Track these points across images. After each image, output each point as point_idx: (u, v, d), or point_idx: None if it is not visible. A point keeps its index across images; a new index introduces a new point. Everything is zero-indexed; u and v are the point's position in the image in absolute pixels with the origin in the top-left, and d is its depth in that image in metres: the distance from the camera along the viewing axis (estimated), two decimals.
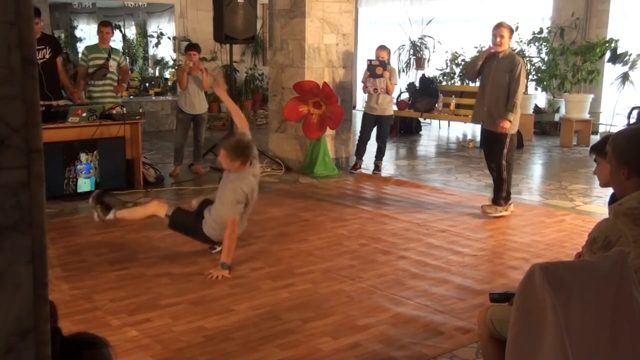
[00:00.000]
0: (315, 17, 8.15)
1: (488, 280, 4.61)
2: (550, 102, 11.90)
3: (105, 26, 7.80)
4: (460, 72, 12.39)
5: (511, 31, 6.26)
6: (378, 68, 8.00)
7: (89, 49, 7.88)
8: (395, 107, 12.07)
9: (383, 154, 8.40)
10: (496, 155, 6.24)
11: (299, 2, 8.13)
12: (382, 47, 8.22)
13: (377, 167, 8.32)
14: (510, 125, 6.08)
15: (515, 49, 11.43)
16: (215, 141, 8.77)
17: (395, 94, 12.52)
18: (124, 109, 7.49)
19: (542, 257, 5.05)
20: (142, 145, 7.45)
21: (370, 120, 8.24)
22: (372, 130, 8.30)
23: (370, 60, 8.12)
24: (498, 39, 6.19)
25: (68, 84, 7.91)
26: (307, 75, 8.16)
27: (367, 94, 8.28)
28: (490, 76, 6.25)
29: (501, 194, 6.29)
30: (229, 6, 7.98)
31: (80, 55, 7.99)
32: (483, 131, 6.52)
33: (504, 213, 6.25)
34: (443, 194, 7.24)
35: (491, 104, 6.22)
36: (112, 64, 7.76)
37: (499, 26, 6.23)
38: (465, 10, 13.06)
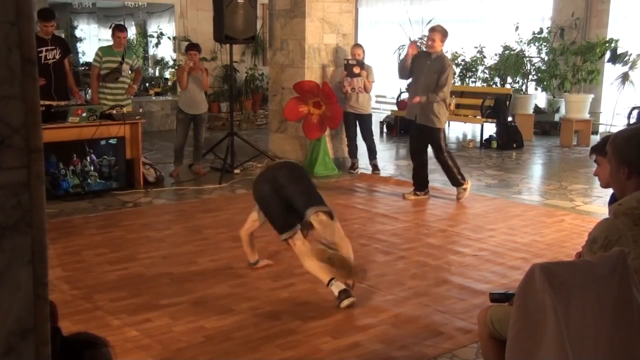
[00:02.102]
0: (315, 17, 8.16)
1: (488, 280, 4.61)
2: (550, 102, 11.90)
3: (122, 31, 7.81)
4: (460, 72, 12.39)
5: (443, 35, 6.66)
6: (355, 67, 8.02)
7: (103, 50, 7.88)
8: (395, 107, 12.14)
9: (375, 153, 8.44)
10: (436, 149, 6.85)
11: (299, 2, 8.13)
12: (358, 46, 8.26)
13: (375, 166, 8.34)
14: (419, 100, 6.60)
15: (516, 49, 11.48)
16: (215, 141, 8.77)
17: (395, 94, 12.58)
18: (129, 107, 7.52)
19: (542, 257, 5.05)
20: (142, 145, 7.46)
21: (351, 117, 8.28)
22: (355, 127, 8.36)
23: (347, 60, 8.12)
24: (430, 42, 6.71)
25: (73, 84, 7.93)
26: (307, 75, 8.16)
27: (344, 93, 8.22)
28: (422, 75, 6.69)
29: (457, 177, 6.90)
30: (229, 6, 7.98)
31: (94, 56, 7.99)
32: (414, 125, 6.94)
33: (467, 188, 6.94)
34: (443, 194, 7.24)
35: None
36: (125, 68, 7.76)
37: (432, 30, 6.75)
38: (465, 10, 13.07)
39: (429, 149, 6.94)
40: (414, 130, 7.00)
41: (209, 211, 6.40)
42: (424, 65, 6.70)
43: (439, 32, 6.63)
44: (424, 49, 7.04)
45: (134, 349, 3.51)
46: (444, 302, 4.21)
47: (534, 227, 5.99)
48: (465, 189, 6.89)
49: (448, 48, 12.52)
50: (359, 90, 8.06)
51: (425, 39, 6.79)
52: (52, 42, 7.33)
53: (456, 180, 6.90)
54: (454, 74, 6.81)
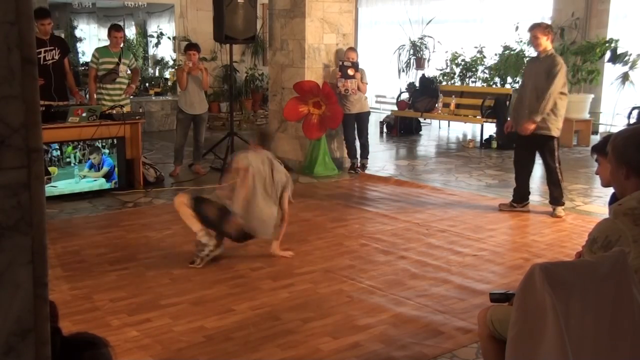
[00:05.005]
0: (315, 17, 8.16)
1: (488, 280, 4.61)
2: None
3: (118, 31, 7.77)
4: (460, 72, 12.39)
5: (545, 29, 6.16)
6: (350, 69, 8.09)
7: (100, 51, 7.85)
8: (395, 107, 12.15)
9: (368, 152, 8.51)
10: (552, 158, 6.21)
11: (299, 2, 8.13)
12: (352, 49, 8.31)
13: (364, 166, 8.40)
14: (535, 126, 6.05)
15: (516, 49, 11.48)
16: (215, 141, 8.77)
17: (395, 94, 12.58)
18: (128, 107, 7.52)
19: (542, 257, 5.05)
20: (142, 145, 7.46)
21: (350, 118, 8.29)
22: (354, 128, 8.38)
23: (341, 62, 8.16)
24: (533, 41, 6.23)
25: (73, 84, 7.91)
26: (307, 75, 8.16)
27: (339, 95, 8.24)
28: (531, 79, 6.20)
29: (562, 193, 6.31)
30: (229, 6, 7.98)
31: (90, 57, 7.97)
32: (522, 135, 6.26)
33: (562, 213, 6.27)
34: (443, 194, 7.24)
35: (531, 106, 6.14)
36: (123, 68, 7.74)
37: (530, 29, 6.25)
38: (465, 10, 13.07)
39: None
40: (521, 139, 6.30)
41: None
42: (533, 69, 6.24)
43: (538, 28, 6.12)
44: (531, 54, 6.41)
45: (134, 349, 3.51)
46: (444, 302, 4.21)
47: (534, 227, 5.99)
48: (564, 210, 6.30)
49: (448, 48, 12.58)
50: (352, 91, 8.12)
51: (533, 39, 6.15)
52: (50, 42, 7.31)
53: (560, 196, 6.28)
54: (562, 72, 6.03)
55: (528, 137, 6.16)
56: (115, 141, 6.96)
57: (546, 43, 6.13)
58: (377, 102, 14.46)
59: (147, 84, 13.80)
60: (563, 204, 6.33)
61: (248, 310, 4.05)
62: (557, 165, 6.21)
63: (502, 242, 5.52)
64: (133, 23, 15.35)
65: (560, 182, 6.27)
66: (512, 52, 11.48)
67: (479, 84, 12.18)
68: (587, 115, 10.71)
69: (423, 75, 12.28)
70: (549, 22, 11.65)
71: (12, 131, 1.07)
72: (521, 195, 6.47)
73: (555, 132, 6.15)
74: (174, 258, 5.03)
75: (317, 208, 6.58)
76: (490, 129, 10.69)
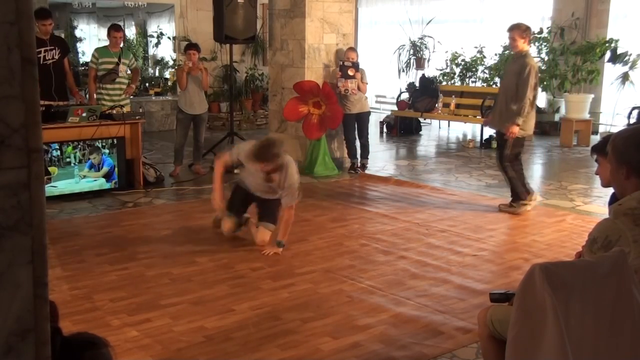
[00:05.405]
0: (315, 17, 8.16)
1: (488, 280, 4.61)
2: (550, 102, 11.90)
3: (117, 30, 7.77)
4: (460, 72, 12.38)
5: (523, 31, 6.22)
6: (350, 69, 8.10)
7: (99, 51, 7.85)
8: (395, 107, 12.15)
9: (368, 152, 8.51)
10: (500, 155, 6.44)
11: (299, 2, 8.13)
12: (352, 49, 8.32)
13: (364, 166, 8.40)
14: (517, 129, 6.14)
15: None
16: (215, 141, 8.77)
17: (395, 94, 12.58)
18: (128, 107, 7.52)
19: (542, 257, 5.05)
20: (142, 145, 7.46)
21: (350, 118, 8.30)
22: (354, 129, 8.39)
23: (342, 62, 8.17)
24: (510, 42, 6.36)
25: (73, 84, 7.91)
26: (307, 75, 8.16)
27: (339, 95, 8.24)
28: (505, 78, 6.35)
29: (518, 191, 6.36)
30: (229, 6, 7.99)
31: (90, 57, 7.97)
32: (499, 136, 6.56)
33: (528, 207, 6.35)
34: (443, 194, 7.24)
35: (501, 106, 6.30)
36: (122, 68, 7.73)
37: (509, 30, 6.32)
38: (465, 10, 13.07)
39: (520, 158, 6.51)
40: (499, 139, 6.56)
41: (209, 211, 6.38)
42: (507, 68, 6.39)
43: (516, 30, 6.19)
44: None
45: (134, 349, 3.51)
46: (444, 302, 4.21)
47: (534, 227, 5.99)
48: (525, 204, 6.34)
49: (448, 48, 12.58)
50: (352, 91, 8.12)
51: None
52: (50, 42, 7.31)
53: (515, 193, 6.39)
54: (532, 74, 6.10)
55: (499, 136, 6.36)
56: (115, 141, 6.97)
57: (522, 45, 6.23)
58: (377, 102, 14.45)
59: (147, 84, 13.80)
60: (523, 199, 6.34)
61: (248, 310, 4.05)
62: (508, 163, 6.29)
63: (502, 242, 5.52)
64: (133, 23, 15.34)
65: (512, 179, 6.33)
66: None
67: (479, 84, 12.18)
68: (587, 115, 10.71)
69: (423, 75, 12.27)
70: (549, 22, 11.68)
71: (12, 131, 1.07)
72: (518, 195, 6.48)
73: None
74: (174, 258, 5.03)
75: (317, 208, 6.58)
76: (490, 129, 10.67)
